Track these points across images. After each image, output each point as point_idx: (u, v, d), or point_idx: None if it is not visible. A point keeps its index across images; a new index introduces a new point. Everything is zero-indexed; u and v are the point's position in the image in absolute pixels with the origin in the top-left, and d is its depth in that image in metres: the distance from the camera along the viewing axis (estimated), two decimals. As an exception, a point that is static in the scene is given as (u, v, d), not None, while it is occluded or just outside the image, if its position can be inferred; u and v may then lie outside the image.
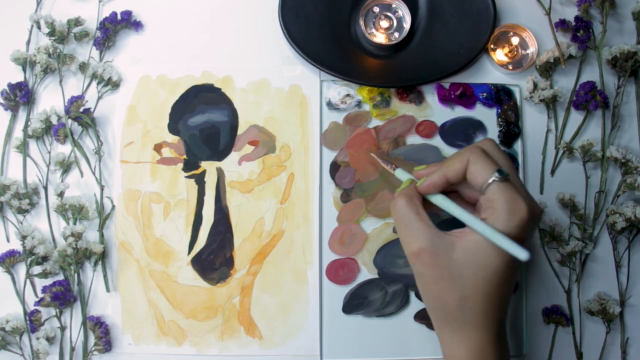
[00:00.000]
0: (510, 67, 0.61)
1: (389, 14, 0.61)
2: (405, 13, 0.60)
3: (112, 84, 0.59)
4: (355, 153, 0.59)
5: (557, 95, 0.60)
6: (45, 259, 0.56)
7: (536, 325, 0.58)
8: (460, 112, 0.61)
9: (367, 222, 0.59)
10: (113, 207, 0.58)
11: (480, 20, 0.60)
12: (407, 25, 0.60)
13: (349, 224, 0.58)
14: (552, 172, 0.61)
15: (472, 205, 0.44)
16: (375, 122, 0.60)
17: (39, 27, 0.59)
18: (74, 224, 0.57)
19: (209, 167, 0.59)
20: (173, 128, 0.59)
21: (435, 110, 0.61)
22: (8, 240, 0.58)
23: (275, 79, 0.60)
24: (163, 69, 0.60)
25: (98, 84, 0.59)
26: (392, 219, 0.43)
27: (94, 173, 0.58)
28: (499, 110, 0.61)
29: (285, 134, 0.59)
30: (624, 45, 0.60)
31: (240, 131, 0.59)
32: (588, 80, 0.60)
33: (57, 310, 0.55)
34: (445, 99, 0.60)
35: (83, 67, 0.59)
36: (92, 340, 0.56)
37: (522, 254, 0.38)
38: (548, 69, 0.61)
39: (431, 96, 0.61)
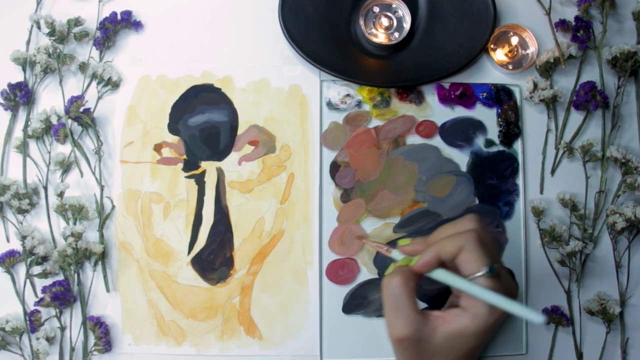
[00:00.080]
0: (510, 67, 0.61)
1: (388, 13, 0.61)
2: (405, 13, 0.60)
3: (112, 84, 0.59)
4: (355, 153, 0.59)
5: (557, 95, 0.60)
6: (45, 259, 0.56)
7: (536, 325, 0.58)
8: (460, 112, 0.61)
9: (367, 222, 0.59)
10: (113, 207, 0.58)
11: (480, 20, 0.60)
12: (407, 25, 0.60)
13: (349, 224, 0.58)
14: (552, 172, 0.61)
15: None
16: (375, 122, 0.60)
17: (39, 27, 0.59)
18: (74, 224, 0.57)
19: (209, 167, 0.59)
20: (173, 128, 0.59)
21: (435, 110, 0.61)
22: (8, 240, 0.58)
23: (275, 79, 0.60)
24: (163, 69, 0.60)
25: (98, 84, 0.59)
26: (382, 295, 0.44)
27: (94, 173, 0.58)
28: (499, 110, 0.61)
29: (285, 134, 0.59)
30: (624, 45, 0.60)
31: (240, 131, 0.59)
32: (588, 80, 0.60)
33: (57, 310, 0.55)
34: (445, 99, 0.60)
35: (83, 67, 0.59)
36: (92, 340, 0.56)
37: (538, 318, 0.38)
38: (548, 69, 0.61)
39: (431, 96, 0.61)
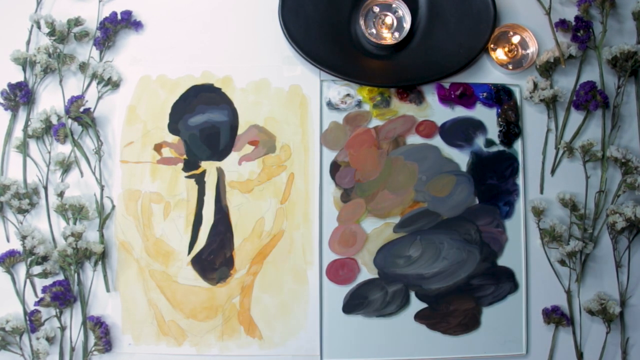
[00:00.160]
0: (510, 66, 0.61)
1: (388, 13, 0.61)
2: (405, 13, 0.60)
3: (112, 84, 0.59)
4: (355, 153, 0.59)
5: (557, 95, 0.60)
6: (45, 259, 0.56)
7: (536, 325, 0.58)
8: (460, 112, 0.61)
9: (367, 222, 0.59)
10: (113, 207, 0.58)
11: (480, 20, 0.60)
12: (407, 25, 0.60)
13: (349, 224, 0.58)
14: (552, 171, 0.61)
15: None
16: (375, 122, 0.60)
17: (39, 27, 0.59)
18: (74, 224, 0.57)
19: (209, 167, 0.59)
20: (173, 128, 0.59)
21: (435, 110, 0.60)
22: (8, 240, 0.57)
23: (275, 79, 0.60)
24: (163, 69, 0.60)
25: (98, 84, 0.59)
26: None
27: (94, 173, 0.58)
28: (499, 110, 0.61)
29: (285, 134, 0.59)
30: (624, 45, 0.60)
31: (240, 131, 0.59)
32: (588, 80, 0.60)
33: (57, 310, 0.55)
34: (446, 98, 0.60)
35: (83, 67, 0.59)
36: (92, 340, 0.56)
37: None
38: (548, 69, 0.61)
39: (431, 96, 0.61)
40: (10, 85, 0.58)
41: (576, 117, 0.61)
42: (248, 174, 0.59)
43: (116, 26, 0.60)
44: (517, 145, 0.60)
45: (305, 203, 0.58)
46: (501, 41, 0.62)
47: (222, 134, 0.59)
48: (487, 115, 0.61)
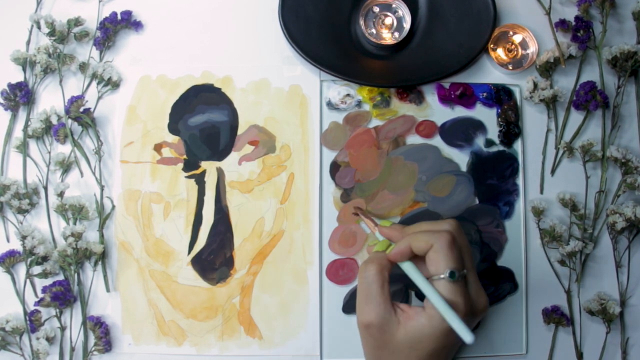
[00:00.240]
0: (510, 67, 0.61)
1: (389, 13, 0.61)
2: (405, 13, 0.60)
3: (112, 84, 0.59)
4: (355, 153, 0.59)
5: (557, 95, 0.60)
6: (45, 259, 0.56)
7: (536, 325, 0.58)
8: (460, 112, 0.61)
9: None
10: (113, 207, 0.58)
11: (480, 20, 0.60)
12: (407, 25, 0.60)
13: (349, 224, 0.58)
14: (552, 172, 0.61)
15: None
16: (375, 122, 0.60)
17: (39, 27, 0.59)
18: (74, 224, 0.57)
19: (209, 167, 0.59)
20: (173, 128, 0.59)
21: (435, 110, 0.61)
22: (8, 240, 0.58)
23: (275, 79, 0.60)
24: (163, 69, 0.60)
25: (98, 84, 0.59)
26: (358, 281, 0.46)
27: (94, 173, 0.58)
28: (499, 110, 0.61)
29: (285, 134, 0.59)
30: (624, 45, 0.60)
31: (240, 131, 0.59)
32: (588, 80, 0.60)
33: (57, 310, 0.55)
34: (445, 98, 0.60)
35: (83, 67, 0.59)
36: (92, 340, 0.56)
37: (467, 337, 0.41)
38: (548, 69, 0.61)
39: (431, 96, 0.61)
40: (10, 85, 0.58)
41: (576, 117, 0.61)
42: (248, 174, 0.59)
43: (116, 26, 0.60)
44: (517, 145, 0.60)
45: (305, 203, 0.58)
46: (501, 41, 0.62)
47: (222, 134, 0.59)
48: (487, 115, 0.61)
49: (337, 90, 0.60)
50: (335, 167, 0.59)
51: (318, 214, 0.58)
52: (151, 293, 0.57)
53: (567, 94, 0.61)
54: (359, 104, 0.60)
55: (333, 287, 0.58)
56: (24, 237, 0.55)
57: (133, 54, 0.60)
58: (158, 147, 0.59)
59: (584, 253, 0.58)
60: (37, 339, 0.55)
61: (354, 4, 0.61)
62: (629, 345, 0.59)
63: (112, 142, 0.59)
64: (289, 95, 0.60)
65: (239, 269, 0.57)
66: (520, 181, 0.60)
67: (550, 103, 0.60)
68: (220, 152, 0.59)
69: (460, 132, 0.60)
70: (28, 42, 0.60)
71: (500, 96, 0.61)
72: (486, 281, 0.58)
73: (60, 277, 0.56)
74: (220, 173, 0.59)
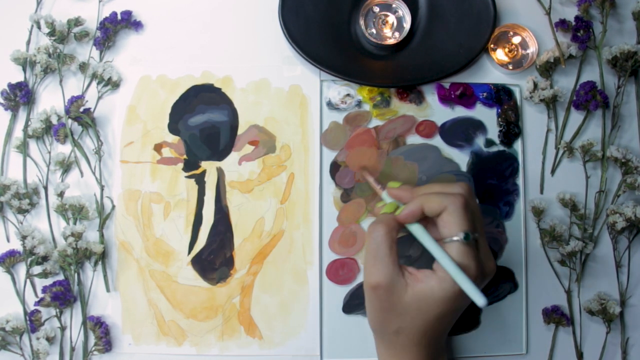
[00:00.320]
0: (510, 67, 0.61)
1: (389, 13, 0.61)
2: (405, 13, 0.60)
3: (112, 84, 0.59)
4: (353, 154, 0.59)
5: (557, 95, 0.60)
6: (45, 259, 0.56)
7: (536, 325, 0.58)
8: (460, 112, 0.61)
9: (367, 222, 0.59)
10: (113, 207, 0.58)
11: (480, 20, 0.60)
12: (407, 25, 0.60)
13: (349, 223, 0.58)
14: (552, 171, 0.61)
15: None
16: (375, 122, 0.60)
17: (39, 27, 0.59)
18: (74, 224, 0.57)
19: (209, 167, 0.59)
20: (173, 128, 0.59)
21: (435, 110, 0.61)
22: (8, 240, 0.58)
23: (275, 79, 0.60)
24: (163, 69, 0.60)
25: (98, 84, 0.59)
26: (366, 242, 0.46)
27: (94, 173, 0.58)
28: (499, 110, 0.61)
29: (285, 134, 0.59)
30: (624, 45, 0.60)
31: (240, 131, 0.59)
32: (588, 80, 0.60)
33: (57, 310, 0.55)
34: (445, 98, 0.60)
35: (83, 67, 0.59)
36: (92, 340, 0.56)
37: (480, 300, 0.41)
38: (548, 69, 0.61)
39: (431, 96, 0.61)
40: (10, 85, 0.58)
41: (576, 117, 0.61)
42: (248, 174, 0.59)
43: (116, 26, 0.60)
44: (517, 145, 0.60)
45: (305, 203, 0.58)
46: (501, 41, 0.62)
47: (222, 134, 0.59)
48: (487, 115, 0.61)
49: (337, 90, 0.60)
50: (335, 167, 0.59)
51: (318, 214, 0.58)
52: (151, 293, 0.57)
53: (567, 94, 0.61)
54: (359, 104, 0.60)
55: (333, 287, 0.58)
56: (24, 237, 0.55)
57: (133, 54, 0.60)
58: (158, 147, 0.59)
59: (584, 253, 0.58)
60: (37, 339, 0.55)
61: (354, 4, 0.61)
62: (629, 345, 0.59)
63: (112, 142, 0.59)
64: (289, 95, 0.60)
65: (239, 269, 0.57)
66: (520, 181, 0.60)
67: (550, 103, 0.60)
68: (220, 152, 0.59)
69: (460, 132, 0.60)
70: (28, 42, 0.60)
71: (500, 96, 0.61)
72: (486, 281, 0.58)
73: (60, 277, 0.56)
74: (220, 173, 0.59)
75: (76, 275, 0.56)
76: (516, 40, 0.62)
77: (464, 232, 0.42)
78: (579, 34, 0.61)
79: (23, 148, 0.58)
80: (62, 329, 0.55)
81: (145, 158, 0.59)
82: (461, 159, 0.60)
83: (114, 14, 0.60)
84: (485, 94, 0.61)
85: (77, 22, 0.59)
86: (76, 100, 0.58)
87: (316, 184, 0.59)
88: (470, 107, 0.61)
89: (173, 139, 0.59)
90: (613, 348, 0.58)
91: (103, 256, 0.57)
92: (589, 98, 0.60)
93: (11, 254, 0.56)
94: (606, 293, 0.59)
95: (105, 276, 0.57)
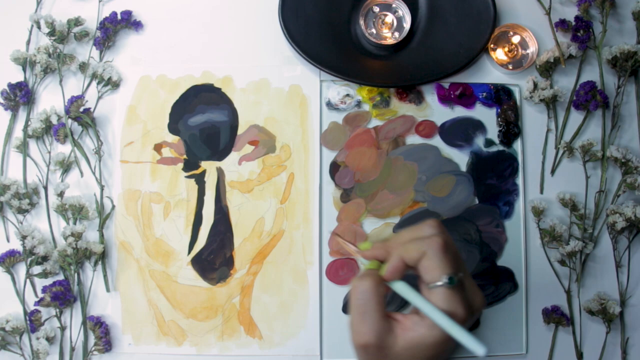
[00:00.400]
0: (510, 66, 0.61)
1: (388, 13, 0.61)
2: (405, 13, 0.60)
3: (112, 84, 0.59)
4: (353, 155, 0.59)
5: (557, 95, 0.60)
6: (45, 259, 0.56)
7: (536, 325, 0.58)
8: (460, 111, 0.61)
9: (367, 222, 0.59)
10: (113, 207, 0.58)
11: (480, 20, 0.60)
12: (407, 25, 0.60)
13: (349, 223, 0.58)
14: (552, 171, 0.61)
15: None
16: (375, 122, 0.60)
17: (39, 27, 0.59)
18: (74, 224, 0.57)
19: (209, 167, 0.59)
20: (173, 128, 0.59)
21: (435, 110, 0.61)
22: (8, 240, 0.58)
23: (275, 79, 0.60)
24: (163, 69, 0.60)
25: (98, 84, 0.59)
26: (351, 297, 0.43)
27: (94, 173, 0.58)
28: (499, 110, 0.61)
29: (285, 134, 0.59)
30: (624, 45, 0.60)
31: (240, 131, 0.59)
32: (588, 80, 0.60)
33: (57, 310, 0.55)
34: (445, 98, 0.60)
35: (83, 67, 0.59)
36: (92, 340, 0.56)
37: (479, 349, 0.39)
38: (548, 69, 0.61)
39: (431, 96, 0.61)
40: (10, 85, 0.58)
41: (576, 117, 0.61)
42: (248, 174, 0.59)
43: (116, 26, 0.60)
44: (517, 145, 0.60)
45: (305, 203, 0.58)
46: (501, 41, 0.62)
47: (222, 134, 0.59)
48: (486, 115, 0.61)
49: (337, 90, 0.60)
50: (335, 167, 0.59)
51: (318, 214, 0.58)
52: (151, 293, 0.57)
53: (567, 94, 0.61)
54: (359, 104, 0.60)
55: (333, 287, 0.58)
56: (24, 237, 0.55)
57: (133, 54, 0.60)
58: (158, 147, 0.59)
59: (584, 253, 0.58)
60: (37, 338, 0.55)
61: (354, 4, 0.61)
62: (629, 345, 0.59)
63: (112, 142, 0.59)
64: (289, 95, 0.60)
65: (239, 268, 0.57)
66: (520, 181, 0.60)
67: (550, 103, 0.60)
68: (220, 152, 0.59)
69: (459, 132, 0.60)
70: (28, 42, 0.60)
71: (499, 96, 0.61)
72: (486, 281, 0.58)
73: (60, 277, 0.56)
74: (220, 173, 0.59)
75: (76, 275, 0.56)
76: (516, 40, 0.62)
77: (447, 275, 0.41)
78: (579, 34, 0.61)
79: (23, 148, 0.58)
80: (62, 329, 0.55)
81: (145, 158, 0.59)
82: (461, 158, 0.60)
83: (114, 14, 0.60)
84: (484, 94, 0.61)
85: (77, 22, 0.59)
86: (76, 100, 0.58)
87: (316, 184, 0.59)
88: (469, 107, 0.61)
89: (173, 139, 0.59)
90: (613, 348, 0.58)
91: (103, 256, 0.57)
92: (589, 98, 0.60)
93: (11, 254, 0.56)
94: (606, 293, 0.59)
95: (105, 276, 0.57)
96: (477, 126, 0.60)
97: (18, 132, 0.59)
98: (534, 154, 0.61)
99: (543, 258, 0.59)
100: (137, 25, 0.60)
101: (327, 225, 0.58)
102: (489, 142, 0.60)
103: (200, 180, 0.59)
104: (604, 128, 0.61)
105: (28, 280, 0.56)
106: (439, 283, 0.41)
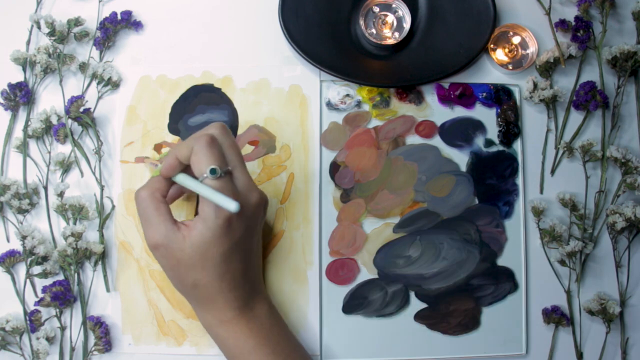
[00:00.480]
0: (510, 67, 0.61)
1: (388, 13, 0.61)
2: (405, 13, 0.60)
3: (112, 84, 0.59)
4: (353, 155, 0.59)
5: (557, 95, 0.60)
6: (45, 259, 0.56)
7: (536, 325, 0.58)
8: (459, 112, 0.61)
9: (367, 222, 0.59)
10: (113, 207, 0.58)
11: (480, 20, 0.60)
12: (407, 25, 0.60)
13: (349, 223, 0.58)
14: (552, 172, 0.61)
15: None
16: (374, 122, 0.60)
17: (39, 27, 0.59)
18: (74, 224, 0.57)
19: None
20: (173, 128, 0.59)
21: (435, 110, 0.61)
22: (8, 240, 0.58)
23: (275, 79, 0.60)
24: (163, 69, 0.60)
25: (98, 84, 0.59)
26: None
27: (94, 173, 0.58)
28: (499, 110, 0.61)
29: (285, 134, 0.59)
30: (624, 45, 0.60)
31: (240, 131, 0.59)
32: (588, 80, 0.60)
33: (57, 310, 0.55)
34: (445, 99, 0.60)
35: (83, 67, 0.59)
36: (92, 340, 0.56)
37: (231, 205, 0.41)
38: (548, 69, 0.61)
39: (431, 96, 0.61)
40: (10, 85, 0.58)
41: (576, 117, 0.61)
42: (248, 174, 0.59)
43: (116, 26, 0.60)
44: (517, 145, 0.60)
45: (305, 203, 0.58)
46: (501, 41, 0.62)
47: (222, 134, 0.59)
48: (486, 115, 0.61)
49: (337, 90, 0.60)
50: (335, 167, 0.59)
51: (318, 214, 0.58)
52: (151, 293, 0.57)
53: (567, 94, 0.61)
54: (359, 104, 0.60)
55: (333, 287, 0.58)
56: (24, 237, 0.55)
57: (133, 54, 0.60)
58: (158, 147, 0.59)
59: (584, 253, 0.58)
60: (37, 339, 0.55)
61: (354, 4, 0.61)
62: (629, 345, 0.59)
63: (112, 142, 0.59)
64: (289, 95, 0.60)
65: (238, 269, 0.57)
66: (520, 181, 0.60)
67: (550, 103, 0.60)
68: (220, 152, 0.59)
69: (459, 132, 0.60)
70: (28, 42, 0.60)
71: (499, 96, 0.61)
72: (486, 281, 0.58)
73: (60, 277, 0.56)
74: (220, 173, 0.59)
75: (76, 275, 0.56)
76: (516, 40, 0.62)
77: (210, 167, 0.43)
78: (578, 34, 0.61)
79: (23, 148, 0.58)
80: (62, 329, 0.56)
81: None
82: (461, 159, 0.60)
83: (114, 14, 0.60)
84: (484, 94, 0.61)
85: (77, 22, 0.59)
86: (76, 100, 0.58)
87: (316, 184, 0.59)
88: (469, 107, 0.61)
89: (173, 139, 0.59)
90: (613, 348, 0.58)
91: (103, 256, 0.57)
92: (589, 98, 0.60)
93: (11, 254, 0.56)
94: (606, 293, 0.59)
95: (105, 276, 0.57)
96: (477, 126, 0.60)
97: (18, 132, 0.59)
98: (534, 154, 0.61)
99: (543, 258, 0.59)
100: (137, 25, 0.60)
101: (327, 225, 0.58)
102: (489, 142, 0.60)
103: (200, 180, 0.58)
104: (604, 128, 0.61)
105: (28, 280, 0.56)
106: (204, 175, 0.43)
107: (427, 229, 0.59)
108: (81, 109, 0.58)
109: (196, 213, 0.58)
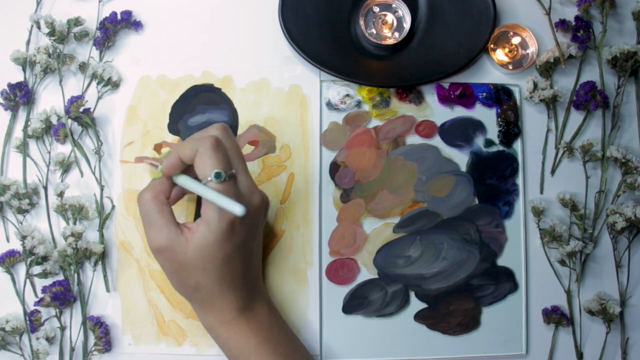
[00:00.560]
0: (510, 67, 0.61)
1: (388, 13, 0.61)
2: (405, 13, 0.60)
3: (112, 84, 0.59)
4: (353, 155, 0.59)
5: (557, 95, 0.60)
6: (45, 259, 0.56)
7: (536, 325, 0.58)
8: (459, 112, 0.61)
9: (367, 222, 0.59)
10: (113, 207, 0.58)
11: (480, 20, 0.60)
12: (407, 25, 0.60)
13: (349, 224, 0.58)
14: (552, 172, 0.61)
15: None
16: (374, 122, 0.60)
17: (39, 27, 0.59)
18: (74, 224, 0.57)
19: (209, 167, 0.59)
20: (173, 128, 0.59)
21: (435, 110, 0.61)
22: (8, 240, 0.58)
23: (275, 79, 0.60)
24: (163, 69, 0.60)
25: (98, 84, 0.59)
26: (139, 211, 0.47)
27: (94, 173, 0.58)
28: (499, 110, 0.61)
29: (285, 134, 0.59)
30: (624, 45, 0.60)
31: (240, 131, 0.59)
32: (588, 80, 0.60)
33: (57, 310, 0.55)
34: (445, 99, 0.60)
35: (83, 67, 0.59)
36: (92, 340, 0.56)
37: (237, 208, 0.41)
38: (548, 69, 0.61)
39: (431, 96, 0.61)
40: (10, 85, 0.58)
41: (576, 117, 0.61)
42: (248, 174, 0.59)
43: (116, 26, 0.60)
44: (517, 145, 0.60)
45: (305, 203, 0.58)
46: (501, 41, 0.62)
47: (222, 134, 0.59)
48: (486, 115, 0.61)
49: (337, 90, 0.60)
50: (335, 167, 0.59)
51: (318, 214, 0.58)
52: (151, 293, 0.57)
53: (567, 94, 0.61)
54: (359, 104, 0.60)
55: (333, 287, 0.58)
56: (24, 237, 0.55)
57: (133, 54, 0.60)
58: (158, 147, 0.59)
59: (584, 253, 0.58)
60: (37, 339, 0.55)
61: (354, 4, 0.61)
62: (629, 345, 0.59)
63: (112, 142, 0.59)
64: (289, 95, 0.60)
65: (238, 269, 0.57)
66: (520, 181, 0.60)
67: (550, 103, 0.60)
68: (220, 152, 0.59)
69: (459, 132, 0.60)
70: (28, 42, 0.60)
71: (499, 96, 0.61)
72: (486, 281, 0.58)
73: (60, 277, 0.56)
74: (220, 173, 0.59)
75: (76, 275, 0.56)
76: (516, 40, 0.62)
77: (215, 171, 0.43)
78: (579, 34, 0.61)
79: (23, 148, 0.58)
80: (62, 329, 0.56)
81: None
82: (461, 159, 0.60)
83: (114, 14, 0.60)
84: (484, 94, 0.61)
85: (77, 22, 0.59)
86: (76, 100, 0.58)
87: (316, 184, 0.59)
88: (469, 107, 0.61)
89: (173, 139, 0.59)
90: (613, 348, 0.58)
91: (103, 256, 0.57)
92: (589, 98, 0.60)
93: (11, 254, 0.56)
94: (606, 293, 0.59)
95: (105, 276, 0.57)
96: (477, 126, 0.60)
97: (18, 132, 0.59)
98: (534, 154, 0.61)
99: (543, 258, 0.59)
100: (137, 25, 0.60)
101: (327, 225, 0.58)
102: (489, 142, 0.60)
103: (200, 180, 0.58)
104: (604, 128, 0.61)
105: (28, 281, 0.56)
106: (209, 178, 0.43)
107: (427, 229, 0.59)
108: (81, 109, 0.58)
109: (196, 214, 0.58)
